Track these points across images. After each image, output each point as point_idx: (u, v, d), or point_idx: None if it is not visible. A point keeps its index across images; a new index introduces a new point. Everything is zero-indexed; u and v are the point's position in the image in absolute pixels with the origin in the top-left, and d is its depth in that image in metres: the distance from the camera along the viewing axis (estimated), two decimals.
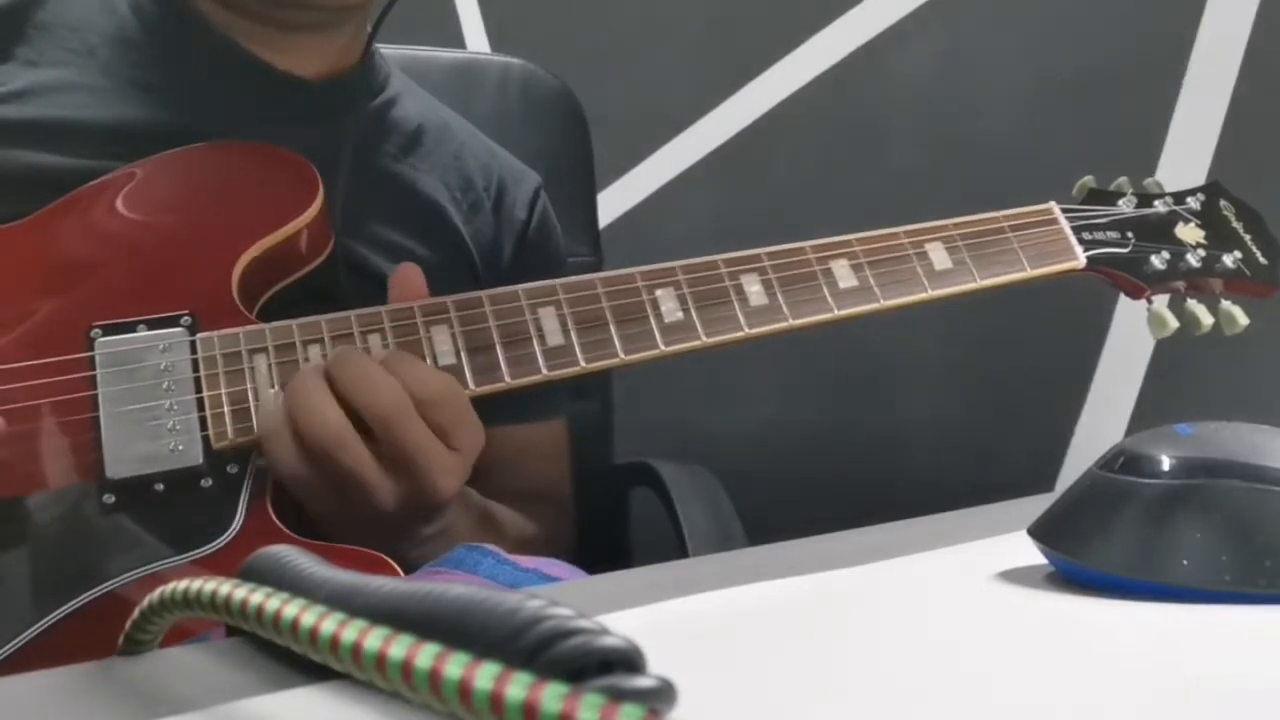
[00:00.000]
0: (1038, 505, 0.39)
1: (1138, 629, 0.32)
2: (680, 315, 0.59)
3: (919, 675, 0.27)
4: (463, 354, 0.57)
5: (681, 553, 0.73)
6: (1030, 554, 0.38)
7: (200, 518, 0.53)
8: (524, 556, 0.49)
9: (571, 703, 0.17)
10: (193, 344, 0.55)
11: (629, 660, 0.20)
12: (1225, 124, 1.24)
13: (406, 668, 0.19)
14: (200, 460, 0.53)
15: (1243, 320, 0.68)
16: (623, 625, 0.21)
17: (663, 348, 0.59)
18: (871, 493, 1.13)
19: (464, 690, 0.18)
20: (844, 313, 0.61)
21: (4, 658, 0.48)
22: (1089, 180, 0.70)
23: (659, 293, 0.60)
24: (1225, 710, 0.25)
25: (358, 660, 0.21)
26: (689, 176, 1.31)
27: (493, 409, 0.57)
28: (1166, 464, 0.36)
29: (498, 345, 0.57)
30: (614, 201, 1.29)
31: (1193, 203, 0.71)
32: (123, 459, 0.53)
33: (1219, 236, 0.70)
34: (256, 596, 0.24)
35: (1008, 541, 0.42)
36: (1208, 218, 0.71)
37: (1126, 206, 0.69)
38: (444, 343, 0.57)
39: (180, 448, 0.53)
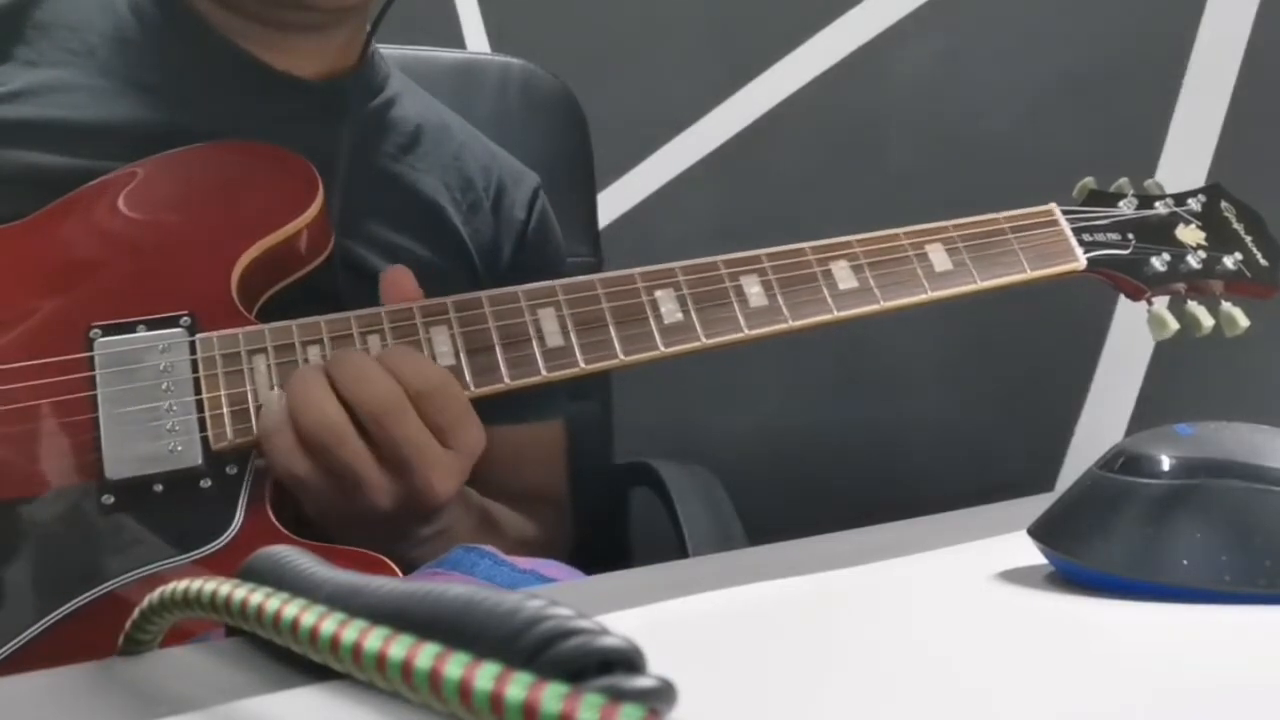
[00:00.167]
0: (1038, 505, 0.39)
1: (1138, 629, 0.32)
2: (680, 316, 0.59)
3: (919, 675, 0.27)
4: (462, 355, 0.57)
5: (681, 553, 0.73)
6: (1030, 554, 0.38)
7: (199, 518, 0.53)
8: (521, 558, 0.49)
9: (571, 703, 0.17)
10: (192, 344, 0.55)
11: (629, 660, 0.20)
12: (1225, 124, 1.23)
13: (406, 668, 0.19)
14: (199, 461, 0.53)
15: (1243, 322, 0.68)
16: (622, 625, 0.21)
17: (662, 349, 0.59)
18: (871, 493, 1.13)
19: (464, 690, 0.18)
20: (844, 314, 0.61)
21: (4, 658, 0.48)
22: (1089, 181, 0.70)
23: (659, 293, 0.60)
24: (1225, 710, 0.25)
25: (358, 660, 0.21)
26: (689, 176, 1.31)
27: (491, 409, 0.56)
28: (1166, 464, 0.36)
29: (497, 346, 0.57)
30: (614, 202, 1.29)
31: (1193, 204, 0.71)
32: (122, 459, 0.53)
33: (1220, 238, 0.70)
34: (256, 596, 0.24)
35: (1008, 541, 0.42)
36: (1208, 219, 0.71)
37: (1127, 208, 0.69)
38: (443, 343, 0.57)
39: (179, 448, 0.53)
